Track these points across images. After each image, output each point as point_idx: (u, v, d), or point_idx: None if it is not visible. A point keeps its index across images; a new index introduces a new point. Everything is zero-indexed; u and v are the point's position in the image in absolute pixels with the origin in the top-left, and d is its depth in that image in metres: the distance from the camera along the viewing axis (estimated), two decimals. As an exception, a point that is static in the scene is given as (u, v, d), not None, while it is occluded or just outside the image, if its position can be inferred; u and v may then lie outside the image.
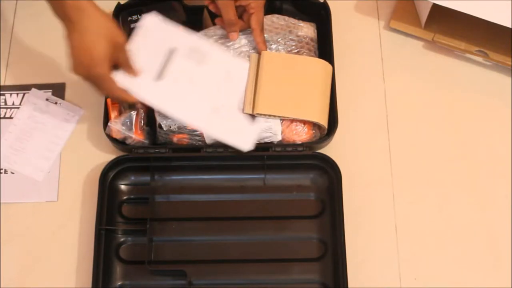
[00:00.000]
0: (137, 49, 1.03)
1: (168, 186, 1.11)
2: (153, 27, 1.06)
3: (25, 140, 1.14)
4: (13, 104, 1.17)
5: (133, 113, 1.08)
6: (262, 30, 1.08)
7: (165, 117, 1.07)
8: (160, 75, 1.04)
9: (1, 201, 1.10)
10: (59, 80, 1.18)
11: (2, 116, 1.16)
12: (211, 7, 1.09)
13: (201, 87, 1.06)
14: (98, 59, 0.94)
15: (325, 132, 1.10)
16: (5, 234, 1.08)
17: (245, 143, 1.04)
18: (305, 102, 1.08)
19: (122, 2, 1.17)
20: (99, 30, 0.94)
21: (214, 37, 1.11)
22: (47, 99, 1.17)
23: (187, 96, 1.05)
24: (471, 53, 1.18)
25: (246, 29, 1.09)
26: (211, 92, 1.06)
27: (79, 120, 1.16)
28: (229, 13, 1.05)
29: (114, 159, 1.08)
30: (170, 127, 1.07)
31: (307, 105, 1.08)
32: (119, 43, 0.97)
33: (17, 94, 1.17)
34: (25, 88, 1.18)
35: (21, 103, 1.17)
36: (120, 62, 1.00)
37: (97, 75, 0.96)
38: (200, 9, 1.16)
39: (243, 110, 1.07)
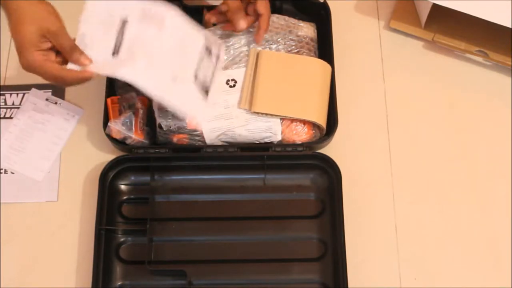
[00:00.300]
0: (87, 30, 0.99)
1: (168, 186, 1.11)
2: (99, 5, 1.01)
3: (25, 140, 1.14)
4: (13, 104, 1.17)
5: (133, 113, 1.08)
6: (269, 17, 1.07)
7: (165, 117, 1.07)
8: (117, 49, 1.00)
9: (1, 201, 1.10)
10: (59, 80, 1.18)
11: (2, 116, 1.16)
12: (210, 16, 1.09)
13: (159, 56, 1.01)
14: (26, 46, 0.93)
15: (324, 132, 1.10)
16: (5, 234, 1.09)
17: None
18: (304, 101, 1.08)
19: (122, 2, 1.16)
20: (29, 19, 0.92)
21: (214, 37, 1.12)
22: (47, 99, 1.17)
23: (147, 65, 1.00)
24: (471, 53, 1.18)
25: (253, 21, 1.08)
26: (168, 60, 1.02)
27: (79, 120, 1.16)
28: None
29: (114, 159, 1.08)
30: (170, 127, 1.07)
31: (305, 104, 1.08)
32: (52, 30, 0.94)
33: (17, 94, 1.17)
34: (25, 88, 1.18)
35: (21, 103, 1.17)
36: (61, 49, 0.96)
37: (28, 62, 0.94)
38: (200, 9, 1.16)
39: (238, 105, 1.07)
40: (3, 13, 1.21)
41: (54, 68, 0.96)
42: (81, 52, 0.98)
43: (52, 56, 0.96)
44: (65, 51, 0.97)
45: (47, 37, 0.94)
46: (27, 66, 0.95)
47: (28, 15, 0.93)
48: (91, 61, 0.98)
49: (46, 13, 0.95)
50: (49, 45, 0.95)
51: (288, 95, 1.08)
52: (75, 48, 0.97)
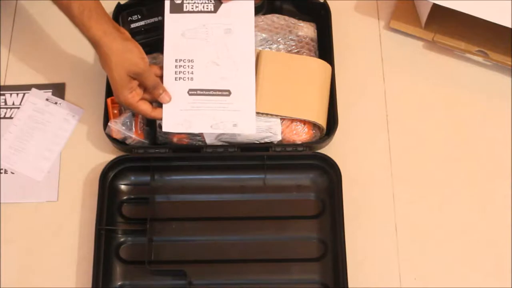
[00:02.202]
0: None
1: (168, 186, 1.11)
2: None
3: (25, 140, 1.14)
4: (13, 104, 1.17)
5: (133, 113, 1.09)
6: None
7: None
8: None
9: (1, 201, 1.10)
10: (59, 80, 1.18)
11: (2, 116, 1.16)
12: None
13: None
14: (119, 88, 1.01)
15: (324, 132, 1.10)
16: (5, 234, 1.08)
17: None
18: (304, 101, 1.08)
19: (122, 2, 1.17)
20: (116, 64, 1.00)
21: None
22: (47, 99, 1.17)
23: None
24: (471, 53, 1.18)
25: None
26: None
27: (79, 120, 1.16)
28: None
29: (114, 159, 1.08)
30: (170, 127, 1.07)
31: (305, 104, 1.08)
32: (137, 72, 1.01)
33: (17, 94, 1.17)
34: (25, 88, 1.18)
35: (21, 103, 1.17)
36: (146, 87, 1.04)
37: (125, 101, 1.03)
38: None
39: None
40: (3, 13, 1.21)
41: (147, 108, 1.04)
42: (164, 90, 1.05)
43: (141, 92, 1.04)
44: (149, 89, 1.04)
45: (134, 77, 1.01)
46: (125, 104, 1.03)
47: (114, 58, 1.00)
48: (170, 98, 1.05)
49: (131, 55, 1.01)
50: (137, 83, 1.03)
51: (288, 95, 1.08)
52: (157, 86, 1.04)
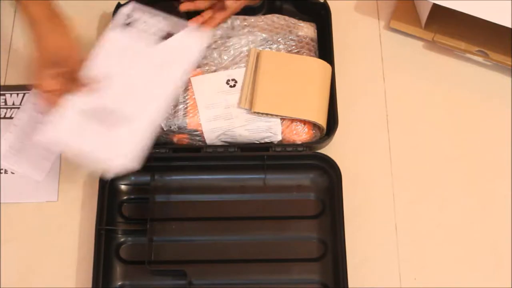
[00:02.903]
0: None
1: (168, 186, 1.11)
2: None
3: (25, 140, 1.14)
4: (13, 104, 1.16)
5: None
6: (231, 14, 1.11)
7: (165, 117, 1.07)
8: None
9: (1, 201, 1.10)
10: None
11: (2, 116, 1.16)
12: (183, 6, 1.10)
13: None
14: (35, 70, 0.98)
15: (324, 132, 1.10)
16: (5, 234, 1.08)
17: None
18: (303, 101, 1.08)
19: (122, 2, 1.16)
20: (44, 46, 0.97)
21: (214, 37, 1.12)
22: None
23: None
24: (471, 53, 1.18)
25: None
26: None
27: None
28: None
29: (114, 159, 1.08)
30: (170, 127, 1.07)
31: (305, 104, 1.08)
32: (62, 60, 0.98)
33: (17, 94, 1.17)
34: (25, 88, 1.17)
35: (21, 103, 1.16)
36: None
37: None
38: (198, 13, 1.16)
39: (238, 104, 1.07)
40: (3, 13, 1.21)
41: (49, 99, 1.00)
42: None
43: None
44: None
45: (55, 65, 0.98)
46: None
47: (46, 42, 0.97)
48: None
49: (62, 42, 0.98)
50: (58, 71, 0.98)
51: (288, 95, 1.08)
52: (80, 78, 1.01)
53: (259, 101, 1.06)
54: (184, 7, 1.11)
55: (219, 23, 1.12)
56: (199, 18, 1.11)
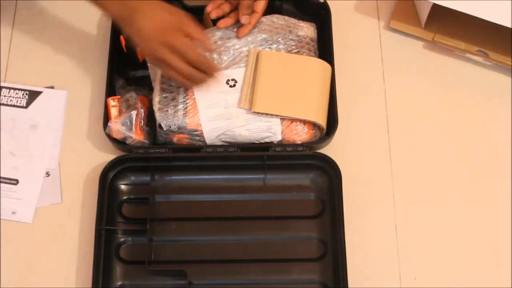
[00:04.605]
0: None
1: (168, 186, 1.11)
2: None
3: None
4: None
5: (133, 113, 1.09)
6: (260, 17, 1.11)
7: (165, 117, 1.07)
8: None
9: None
10: (59, 80, 1.18)
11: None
12: (213, 13, 1.11)
13: None
14: (169, 29, 0.99)
15: (324, 132, 1.10)
16: (6, 234, 1.08)
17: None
18: (304, 101, 1.08)
19: (122, 2, 1.16)
20: (159, 10, 1.00)
21: (214, 37, 1.12)
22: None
23: None
24: (471, 53, 1.18)
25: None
26: None
27: (79, 120, 1.16)
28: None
29: (114, 159, 1.08)
30: (170, 127, 1.07)
31: (305, 104, 1.08)
32: (178, 19, 1.00)
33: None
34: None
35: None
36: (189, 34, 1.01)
37: (177, 44, 0.99)
38: (200, 9, 1.16)
39: (238, 104, 1.07)
40: (3, 13, 1.21)
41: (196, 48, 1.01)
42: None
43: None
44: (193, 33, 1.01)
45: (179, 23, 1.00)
46: (168, 46, 0.98)
47: (155, 8, 1.00)
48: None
49: (166, 6, 1.01)
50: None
51: (288, 95, 1.08)
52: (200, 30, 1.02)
53: (259, 101, 1.06)
54: (214, 14, 1.11)
55: (254, 27, 1.12)
56: (227, 20, 1.11)
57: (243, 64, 1.10)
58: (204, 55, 1.03)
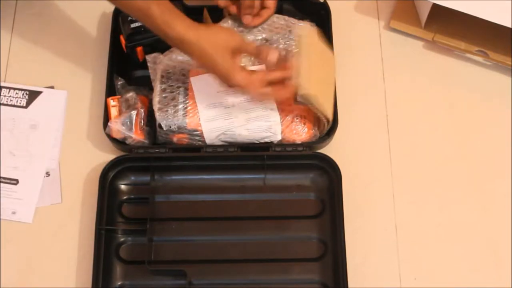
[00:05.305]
0: None
1: (168, 186, 1.11)
2: None
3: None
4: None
5: (133, 113, 1.09)
6: (272, 14, 1.13)
7: (165, 117, 1.07)
8: None
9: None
10: (60, 80, 1.18)
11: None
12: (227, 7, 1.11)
13: None
14: (230, 74, 0.98)
15: (330, 124, 1.08)
16: (6, 234, 1.08)
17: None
18: (328, 96, 1.07)
19: (122, 2, 1.16)
20: (214, 49, 0.97)
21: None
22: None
23: None
24: (471, 53, 1.18)
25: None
26: None
27: (79, 120, 1.16)
28: None
29: (114, 159, 1.08)
30: (170, 127, 1.07)
31: (328, 99, 1.07)
32: (234, 45, 0.99)
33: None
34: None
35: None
36: (250, 55, 1.03)
37: (241, 86, 0.99)
38: (200, 9, 1.16)
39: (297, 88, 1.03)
40: (3, 13, 1.21)
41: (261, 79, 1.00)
42: (268, 49, 1.01)
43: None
44: (253, 55, 1.03)
45: (235, 53, 0.99)
46: (243, 86, 0.99)
47: (208, 46, 0.97)
48: (278, 52, 1.02)
49: (220, 34, 0.99)
50: (240, 58, 1.01)
51: (322, 88, 1.06)
52: (260, 50, 1.01)
53: (308, 87, 1.03)
54: (233, 9, 1.11)
55: (264, 21, 1.12)
56: (249, 16, 1.11)
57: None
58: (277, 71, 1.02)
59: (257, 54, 1.02)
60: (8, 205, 1.10)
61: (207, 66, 0.99)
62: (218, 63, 0.97)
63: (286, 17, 1.15)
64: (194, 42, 0.96)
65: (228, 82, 1.00)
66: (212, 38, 0.97)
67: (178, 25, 0.96)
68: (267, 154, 1.08)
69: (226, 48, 0.98)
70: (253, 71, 1.02)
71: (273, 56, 1.01)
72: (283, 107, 1.08)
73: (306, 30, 1.09)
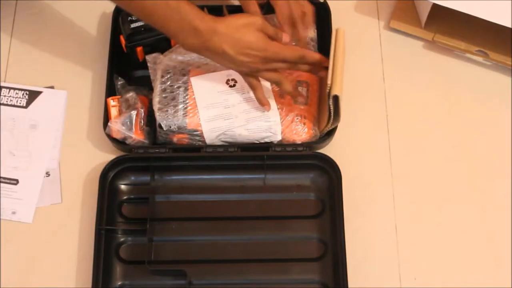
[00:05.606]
0: None
1: (168, 186, 1.11)
2: None
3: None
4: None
5: (133, 113, 1.09)
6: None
7: (165, 117, 1.07)
8: None
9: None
10: (59, 80, 1.18)
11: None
12: None
13: None
14: (266, 44, 0.98)
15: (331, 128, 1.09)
16: (5, 234, 1.08)
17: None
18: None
19: (122, 2, 1.16)
20: (243, 30, 0.98)
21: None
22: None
23: None
24: (471, 53, 1.18)
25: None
26: None
27: (79, 120, 1.16)
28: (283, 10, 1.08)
29: (114, 159, 1.08)
30: (170, 127, 1.07)
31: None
32: (260, 26, 0.99)
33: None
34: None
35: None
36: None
37: (276, 50, 0.99)
38: (200, 9, 1.16)
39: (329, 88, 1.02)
40: (3, 13, 1.21)
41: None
42: (281, 33, 1.02)
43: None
44: (272, 35, 1.01)
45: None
46: (268, 60, 1.00)
47: (237, 27, 0.98)
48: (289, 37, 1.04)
49: (242, 19, 0.99)
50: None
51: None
52: (276, 31, 1.02)
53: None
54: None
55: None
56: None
57: None
58: (300, 49, 1.04)
59: (275, 36, 1.01)
60: (8, 205, 1.10)
61: (241, 51, 0.98)
62: (251, 41, 0.97)
63: (286, 17, 1.15)
64: (224, 32, 0.96)
65: (266, 53, 0.98)
66: (237, 23, 0.98)
67: (206, 17, 0.96)
68: (267, 154, 1.08)
69: (253, 27, 0.98)
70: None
71: (286, 39, 1.02)
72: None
73: (340, 33, 1.08)
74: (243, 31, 0.98)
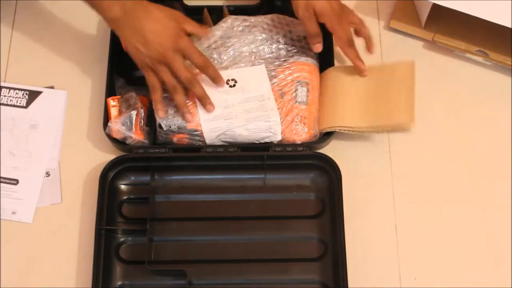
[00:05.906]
0: None
1: (168, 186, 1.11)
2: None
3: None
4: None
5: (133, 113, 1.09)
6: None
7: (165, 117, 1.07)
8: None
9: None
10: (59, 80, 1.18)
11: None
12: None
13: None
14: (177, 34, 1.02)
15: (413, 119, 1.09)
16: (5, 234, 1.08)
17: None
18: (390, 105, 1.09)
19: (122, 2, 1.16)
20: (163, 16, 1.02)
21: (214, 37, 1.12)
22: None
23: None
24: (471, 53, 1.18)
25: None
26: None
27: (79, 120, 1.16)
28: (311, 25, 1.07)
29: (114, 159, 1.08)
30: (170, 127, 1.07)
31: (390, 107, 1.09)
32: (180, 19, 1.03)
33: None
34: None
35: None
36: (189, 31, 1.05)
37: (183, 45, 1.02)
38: (200, 9, 1.16)
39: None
40: (3, 13, 1.21)
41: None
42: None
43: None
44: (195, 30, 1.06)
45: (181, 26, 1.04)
46: (175, 50, 1.02)
47: (161, 14, 1.02)
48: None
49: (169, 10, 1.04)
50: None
51: (373, 104, 1.09)
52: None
53: (343, 118, 1.08)
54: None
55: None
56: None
57: (243, 64, 1.10)
58: (209, 60, 1.05)
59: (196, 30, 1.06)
60: (8, 205, 1.10)
61: (158, 30, 1.01)
62: (173, 26, 1.02)
63: (286, 17, 1.15)
64: (150, 9, 1.01)
65: (177, 43, 1.02)
66: (165, 9, 1.02)
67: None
68: (267, 154, 1.08)
69: (179, 18, 1.03)
70: None
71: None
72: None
73: (408, 66, 1.12)
74: (168, 13, 1.02)
